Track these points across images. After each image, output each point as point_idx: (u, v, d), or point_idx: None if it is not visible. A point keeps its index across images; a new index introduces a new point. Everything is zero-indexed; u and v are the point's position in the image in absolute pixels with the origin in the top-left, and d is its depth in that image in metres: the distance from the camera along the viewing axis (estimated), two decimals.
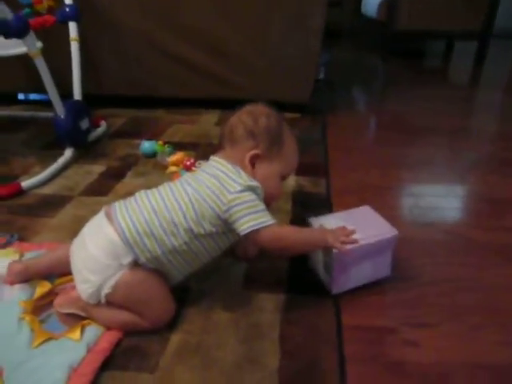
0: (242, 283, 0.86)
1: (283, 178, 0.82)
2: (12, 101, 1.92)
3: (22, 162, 1.38)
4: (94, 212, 1.10)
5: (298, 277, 0.88)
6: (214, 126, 1.71)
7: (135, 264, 0.71)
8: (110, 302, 0.71)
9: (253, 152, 0.77)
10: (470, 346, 0.74)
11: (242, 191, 0.72)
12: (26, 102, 1.97)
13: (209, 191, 0.73)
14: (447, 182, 1.36)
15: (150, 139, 1.44)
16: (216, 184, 0.73)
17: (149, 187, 1.20)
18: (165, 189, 0.77)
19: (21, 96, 1.99)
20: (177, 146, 1.45)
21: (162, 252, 0.71)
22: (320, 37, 1.66)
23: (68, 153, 1.36)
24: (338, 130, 1.72)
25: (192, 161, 1.04)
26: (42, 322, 0.75)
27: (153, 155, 1.40)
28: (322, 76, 2.38)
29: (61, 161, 1.32)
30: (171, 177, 1.07)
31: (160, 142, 1.41)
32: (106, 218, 0.74)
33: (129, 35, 1.69)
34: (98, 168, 1.35)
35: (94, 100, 1.75)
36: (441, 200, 1.24)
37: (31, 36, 1.15)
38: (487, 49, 2.98)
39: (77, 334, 0.72)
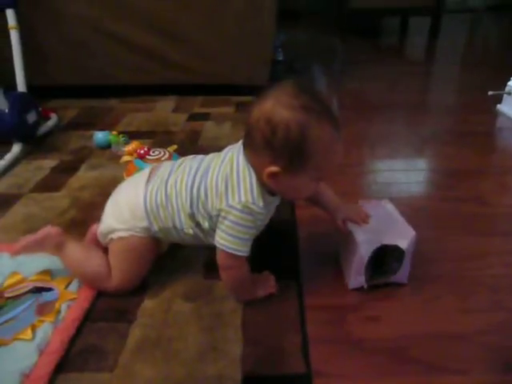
0: (203, 273, 0.84)
1: (319, 179, 0.72)
2: None
3: None
4: (46, 209, 1.07)
5: (261, 261, 0.87)
6: (170, 113, 1.67)
7: (147, 232, 0.76)
8: (108, 247, 0.79)
9: (270, 170, 0.66)
10: (431, 316, 0.75)
11: (240, 211, 0.69)
12: None
13: (215, 191, 0.71)
14: (404, 157, 1.37)
15: (103, 130, 1.38)
16: (223, 188, 0.70)
17: (104, 180, 1.19)
18: (194, 169, 0.76)
19: None
20: (133, 136, 1.40)
21: (172, 225, 0.76)
22: (274, 15, 1.63)
23: (16, 148, 1.29)
24: None
25: (146, 149, 1.00)
26: None
27: (107, 146, 1.35)
28: (280, 57, 2.36)
29: (8, 157, 1.25)
30: (126, 167, 1.03)
31: (114, 132, 1.36)
32: (147, 176, 0.79)
33: (74, 21, 1.61)
34: (49, 163, 1.29)
35: (43, 91, 1.68)
36: (398, 174, 1.25)
37: None
38: (440, 24, 3.03)
39: (28, 333, 0.69)
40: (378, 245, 0.76)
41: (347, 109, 1.80)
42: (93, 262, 0.79)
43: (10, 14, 1.33)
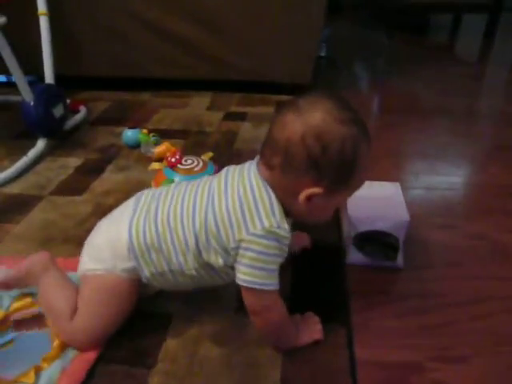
0: (235, 308, 0.71)
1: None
2: None
3: None
4: (66, 216, 0.98)
5: (302, 298, 0.74)
6: (205, 111, 1.56)
7: (131, 273, 0.63)
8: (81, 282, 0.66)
9: (312, 191, 0.57)
10: None
11: (262, 236, 0.58)
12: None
13: (227, 219, 0.59)
14: (466, 174, 1.21)
15: (133, 127, 1.28)
16: (238, 214, 0.59)
17: (129, 185, 1.09)
18: (189, 197, 0.63)
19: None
20: (164, 135, 1.30)
21: (168, 269, 0.63)
22: (324, 8, 1.49)
23: (40, 144, 1.21)
24: None
25: (177, 157, 0.89)
26: None
27: (136, 145, 1.25)
28: (323, 53, 2.22)
29: (32, 154, 1.17)
30: (154, 175, 0.92)
31: (144, 131, 1.26)
32: (131, 208, 0.65)
33: (109, 8, 1.52)
34: (74, 161, 1.20)
35: (73, 82, 1.60)
36: (461, 195, 1.10)
37: None
38: (498, 22, 2.79)
39: (31, 376, 0.59)
40: (372, 228, 0.78)
41: (395, 113, 1.64)
42: (63, 292, 0.66)
43: None
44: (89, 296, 0.64)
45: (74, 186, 1.08)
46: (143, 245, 0.61)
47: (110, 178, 1.11)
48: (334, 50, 2.36)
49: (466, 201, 1.08)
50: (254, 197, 0.59)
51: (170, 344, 0.65)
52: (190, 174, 0.89)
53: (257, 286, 0.58)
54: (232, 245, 0.58)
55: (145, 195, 0.67)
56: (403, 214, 0.79)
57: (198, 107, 1.59)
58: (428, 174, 1.19)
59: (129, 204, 0.67)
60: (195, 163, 0.90)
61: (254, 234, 0.57)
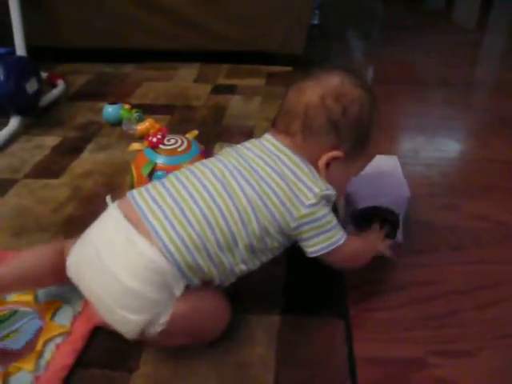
0: None
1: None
2: None
3: None
4: (41, 201, 0.90)
5: (298, 290, 0.69)
6: (192, 84, 1.47)
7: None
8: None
9: (333, 154, 0.58)
10: None
11: (317, 204, 0.56)
12: None
13: (277, 200, 0.55)
14: (468, 151, 1.16)
15: (114, 102, 1.20)
16: (286, 190, 0.55)
17: (111, 165, 1.02)
18: (210, 180, 0.56)
19: None
20: (148, 110, 1.22)
21: (217, 272, 0.55)
22: None
23: (13, 122, 1.12)
24: None
25: (159, 137, 0.82)
26: None
27: (118, 122, 1.17)
28: (316, 21, 2.11)
29: (4, 133, 1.09)
30: (134, 157, 0.85)
31: (126, 106, 1.18)
32: (129, 224, 0.52)
33: None
34: (51, 140, 1.11)
35: (51, 54, 1.50)
36: (462, 172, 1.05)
37: None
38: None
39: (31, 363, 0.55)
40: (373, 204, 0.72)
41: (391, 83, 1.56)
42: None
43: None
44: (190, 327, 0.56)
45: (50, 167, 1.00)
46: (187, 254, 0.52)
47: (89, 158, 1.04)
48: (327, 18, 2.25)
49: (468, 178, 1.02)
50: (291, 170, 0.57)
51: None
52: (174, 154, 0.82)
53: (335, 246, 0.58)
54: (292, 224, 0.56)
55: (141, 198, 0.55)
56: (403, 190, 0.74)
57: (185, 80, 1.50)
58: (427, 149, 1.14)
59: (116, 217, 0.54)
60: (179, 143, 0.83)
61: (311, 205, 0.56)
